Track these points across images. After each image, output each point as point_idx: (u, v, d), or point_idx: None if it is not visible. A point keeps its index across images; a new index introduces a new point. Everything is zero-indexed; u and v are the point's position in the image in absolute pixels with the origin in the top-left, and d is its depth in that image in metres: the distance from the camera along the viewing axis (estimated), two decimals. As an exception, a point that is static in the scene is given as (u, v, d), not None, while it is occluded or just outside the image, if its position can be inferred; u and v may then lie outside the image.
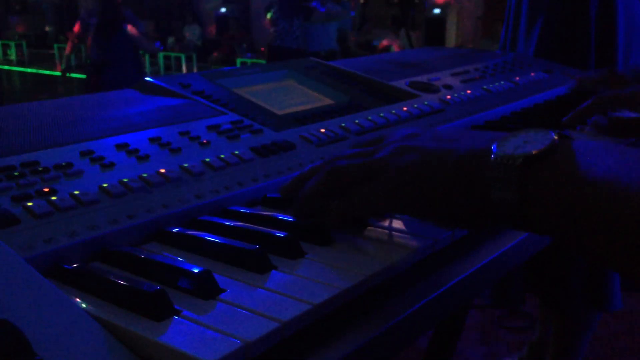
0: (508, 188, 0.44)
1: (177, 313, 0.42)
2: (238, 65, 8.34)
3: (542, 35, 1.48)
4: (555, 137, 0.45)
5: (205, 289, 0.45)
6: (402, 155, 0.52)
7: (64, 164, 0.60)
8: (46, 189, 0.55)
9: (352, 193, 0.53)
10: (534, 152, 0.44)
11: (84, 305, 0.43)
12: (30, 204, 0.52)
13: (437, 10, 11.11)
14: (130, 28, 4.44)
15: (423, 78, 1.09)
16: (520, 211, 0.44)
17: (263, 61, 8.13)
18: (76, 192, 0.55)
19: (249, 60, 9.84)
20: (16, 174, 0.56)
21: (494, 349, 2.19)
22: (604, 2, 1.44)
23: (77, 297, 0.45)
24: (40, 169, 0.58)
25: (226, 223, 0.57)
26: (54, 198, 0.54)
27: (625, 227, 0.39)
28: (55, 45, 11.79)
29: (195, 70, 9.86)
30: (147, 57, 11.12)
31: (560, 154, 0.44)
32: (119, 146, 0.66)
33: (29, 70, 11.99)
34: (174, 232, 0.56)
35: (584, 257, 0.44)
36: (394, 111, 0.91)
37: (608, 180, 0.41)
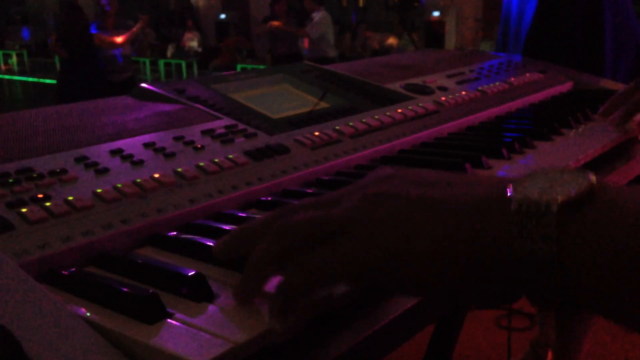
0: (543, 241, 0.35)
1: (170, 316, 0.42)
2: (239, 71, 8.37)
3: (530, 36, 1.49)
4: (593, 178, 0.36)
5: (199, 292, 0.45)
6: (374, 205, 0.40)
7: (58, 170, 0.60)
8: (40, 195, 0.55)
9: (305, 260, 0.41)
10: (572, 195, 0.35)
11: (77, 310, 0.43)
12: (24, 210, 0.52)
13: (436, 13, 11.13)
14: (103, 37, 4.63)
15: (418, 80, 1.10)
16: (559, 266, 0.35)
17: (264, 67, 8.15)
18: (70, 198, 0.56)
19: (249, 67, 9.86)
20: (11, 180, 0.57)
21: (496, 350, 2.18)
22: (590, 2, 1.45)
23: (71, 301, 0.45)
24: (34, 175, 0.59)
25: (220, 227, 0.57)
26: (48, 204, 0.54)
27: None
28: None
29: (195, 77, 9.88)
30: (147, 63, 11.16)
31: (601, 197, 0.36)
32: (114, 152, 0.66)
33: (30, 79, 12.03)
34: (168, 236, 0.56)
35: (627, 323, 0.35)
36: (388, 113, 0.91)
37: None
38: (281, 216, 0.44)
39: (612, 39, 1.46)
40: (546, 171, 0.38)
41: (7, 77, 12.53)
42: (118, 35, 4.90)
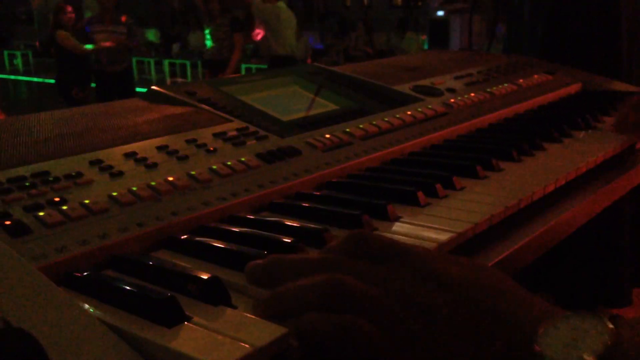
0: None
1: (188, 319, 0.43)
2: (243, 70, 8.37)
3: (545, 37, 1.48)
4: (612, 327, 0.37)
5: (215, 295, 0.46)
6: (418, 317, 0.40)
7: (73, 173, 0.61)
8: (57, 199, 0.56)
9: (351, 321, 0.41)
10: (599, 353, 0.36)
11: (96, 312, 0.44)
12: (41, 213, 0.53)
13: (440, 12, 11.10)
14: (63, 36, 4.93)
15: (426, 82, 1.10)
16: None
17: (266, 66, 8.14)
18: (86, 201, 0.56)
19: (253, 66, 9.86)
20: (27, 184, 0.57)
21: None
22: (605, 2, 1.44)
23: (89, 304, 0.45)
24: (50, 178, 0.59)
25: (234, 229, 0.58)
26: (64, 207, 0.55)
27: None
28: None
29: (200, 76, 9.89)
30: (152, 63, 11.18)
31: (625, 342, 0.37)
32: (127, 155, 0.67)
33: (35, 79, 12.06)
34: (182, 239, 0.57)
35: None
36: (398, 115, 0.92)
37: None
38: (331, 267, 0.44)
39: (628, 38, 1.45)
40: (567, 320, 0.39)
41: (12, 77, 12.55)
42: (88, 40, 4.98)
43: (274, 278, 0.46)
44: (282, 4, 5.15)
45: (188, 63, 10.97)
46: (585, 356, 0.36)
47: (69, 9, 5.14)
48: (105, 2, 4.87)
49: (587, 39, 1.45)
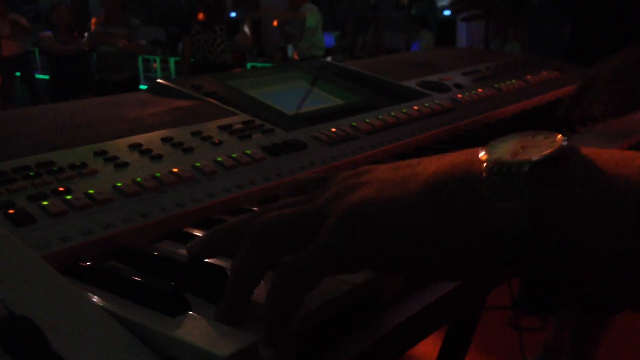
0: (514, 200, 0.34)
1: (192, 309, 0.42)
2: (248, 68, 8.38)
3: (572, 39, 1.47)
4: (564, 138, 0.36)
5: (219, 285, 0.45)
6: (348, 193, 0.40)
7: (78, 164, 0.60)
8: (61, 188, 0.56)
9: (288, 265, 0.40)
10: (544, 155, 0.35)
11: (99, 302, 0.43)
12: (45, 203, 0.53)
13: (447, 12, 11.07)
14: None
15: (434, 77, 1.09)
16: (532, 225, 0.34)
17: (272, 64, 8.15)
18: (91, 192, 0.56)
19: (259, 64, 9.86)
20: (31, 173, 0.57)
21: (507, 351, 2.17)
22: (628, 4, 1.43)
23: (92, 293, 0.45)
24: (55, 168, 0.59)
25: (239, 221, 0.57)
26: (69, 197, 0.54)
27: None
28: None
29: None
30: (158, 61, 11.19)
31: (574, 158, 0.35)
32: (132, 146, 0.66)
33: (41, 76, 12.11)
34: (187, 231, 0.56)
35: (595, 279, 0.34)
36: (404, 110, 0.91)
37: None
38: (248, 221, 0.43)
39: None
40: (518, 135, 0.38)
41: (17, 73, 12.59)
42: (75, 41, 4.84)
43: (216, 250, 0.46)
44: None
45: (193, 60, 10.98)
46: (531, 158, 0.35)
47: (62, 8, 5.00)
48: (108, 3, 4.50)
49: (613, 41, 1.44)
